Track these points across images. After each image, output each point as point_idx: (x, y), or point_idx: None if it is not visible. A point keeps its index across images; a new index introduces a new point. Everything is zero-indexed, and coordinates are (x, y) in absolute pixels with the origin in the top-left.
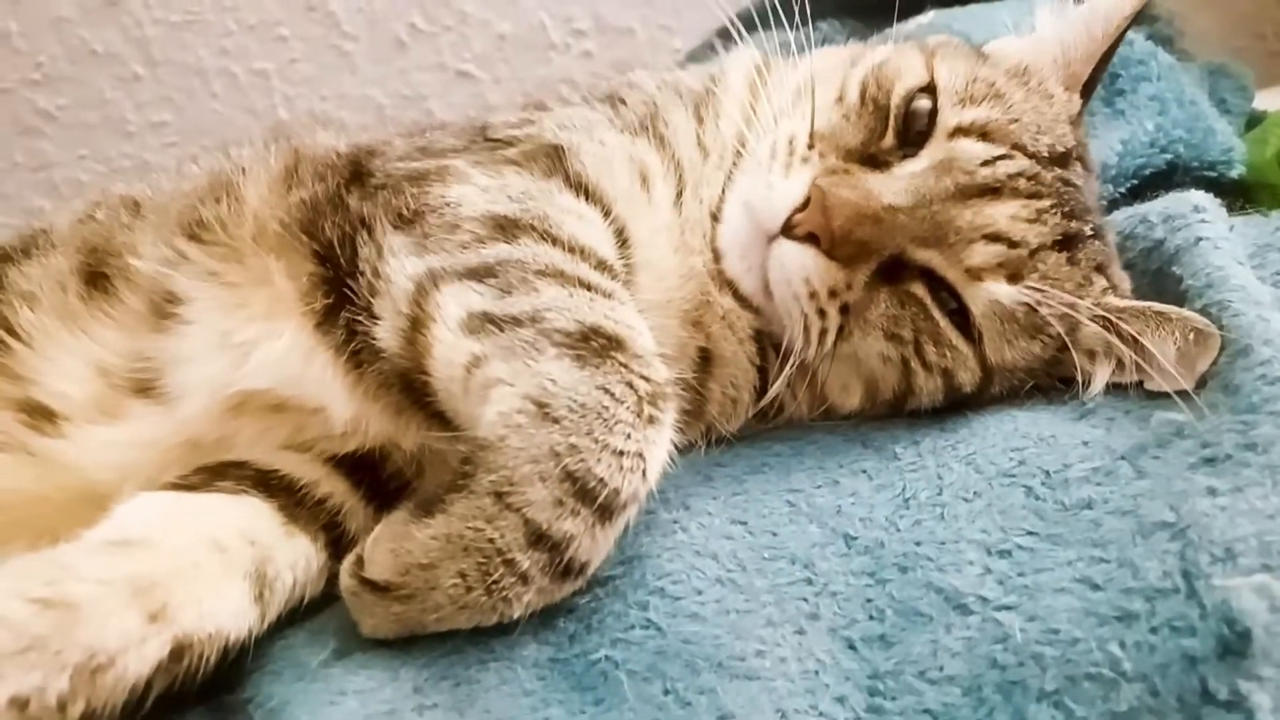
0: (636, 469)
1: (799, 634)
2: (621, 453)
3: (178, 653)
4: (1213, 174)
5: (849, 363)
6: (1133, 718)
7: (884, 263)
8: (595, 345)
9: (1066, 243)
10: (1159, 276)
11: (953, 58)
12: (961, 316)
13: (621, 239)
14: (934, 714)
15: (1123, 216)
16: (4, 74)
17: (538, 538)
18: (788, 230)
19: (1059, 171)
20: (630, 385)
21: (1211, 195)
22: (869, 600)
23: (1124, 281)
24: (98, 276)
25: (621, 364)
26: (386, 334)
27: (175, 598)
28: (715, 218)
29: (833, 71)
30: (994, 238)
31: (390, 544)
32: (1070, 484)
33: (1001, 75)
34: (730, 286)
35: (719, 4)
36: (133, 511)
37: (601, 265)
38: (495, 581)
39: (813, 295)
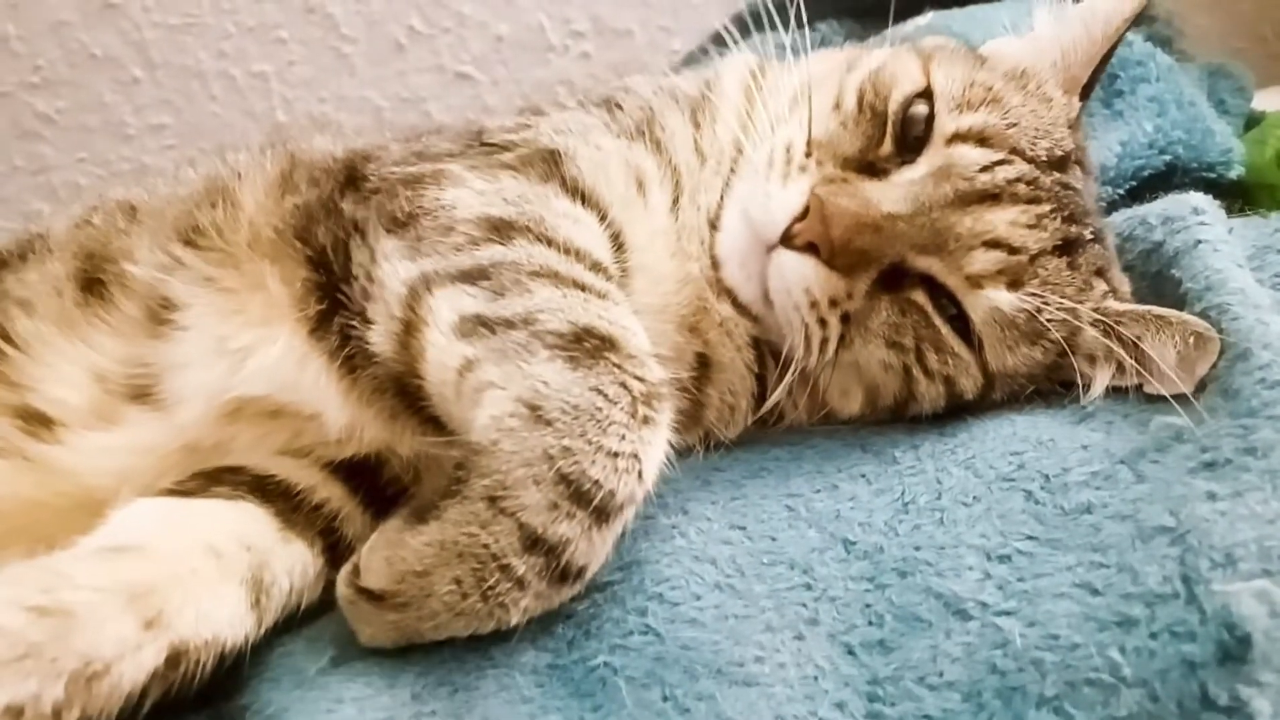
0: (632, 470)
1: (798, 639)
2: (616, 454)
3: (174, 659)
4: (1212, 175)
5: (850, 370)
6: None
7: (884, 271)
8: (588, 346)
9: (1067, 247)
10: (1158, 279)
11: (949, 62)
12: (962, 323)
13: (618, 243)
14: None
15: (1121, 218)
16: (3, 77)
17: (533, 542)
18: (787, 240)
19: (1058, 175)
20: (624, 386)
21: (1210, 197)
22: (868, 605)
23: (1124, 285)
24: (94, 283)
25: (615, 364)
26: (380, 338)
27: (171, 604)
28: (713, 225)
29: (829, 76)
30: (994, 244)
31: (385, 552)
32: (1069, 488)
33: (999, 79)
34: (729, 294)
35: (712, 8)
36: (129, 517)
37: (596, 267)
38: (491, 587)
39: (813, 305)
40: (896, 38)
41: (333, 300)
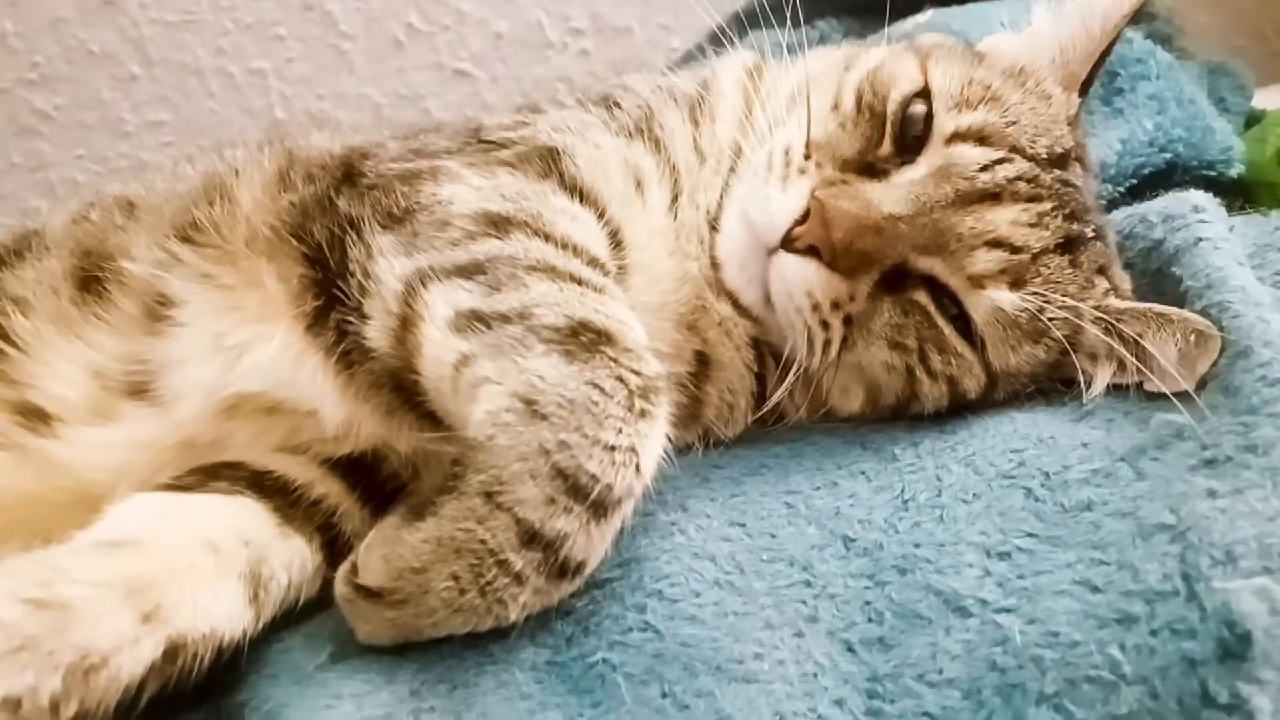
0: (629, 464)
1: (797, 636)
2: (613, 447)
3: (171, 653)
4: (1212, 173)
5: (852, 371)
6: None
7: (886, 272)
8: (584, 340)
9: (1068, 246)
10: (1158, 277)
11: (947, 60)
12: (964, 323)
13: (616, 241)
14: (933, 717)
15: (1122, 216)
16: (1, 74)
17: (530, 537)
18: (788, 243)
19: (1058, 173)
20: (620, 379)
21: (1211, 195)
22: (868, 603)
23: (1125, 282)
24: (91, 280)
25: (611, 358)
26: (376, 334)
27: (169, 598)
28: (713, 225)
29: (827, 76)
30: (995, 243)
31: (383, 549)
32: (1070, 486)
33: (998, 76)
34: (728, 294)
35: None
36: (126, 512)
37: (594, 263)
38: (489, 583)
39: (815, 307)
40: (895, 35)
41: (329, 296)
